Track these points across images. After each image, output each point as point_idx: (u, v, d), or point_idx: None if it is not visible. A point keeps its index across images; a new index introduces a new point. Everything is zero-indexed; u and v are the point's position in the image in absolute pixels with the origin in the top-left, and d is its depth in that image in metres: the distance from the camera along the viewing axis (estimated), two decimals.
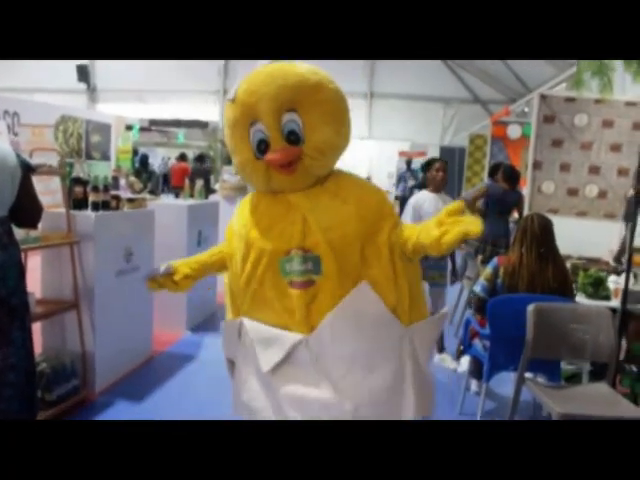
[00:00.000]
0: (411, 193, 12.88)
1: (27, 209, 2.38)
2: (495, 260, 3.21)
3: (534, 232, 3.05)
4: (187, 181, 5.23)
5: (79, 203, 3.26)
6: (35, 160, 2.79)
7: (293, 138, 1.64)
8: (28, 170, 2.35)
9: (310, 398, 1.63)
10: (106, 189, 3.37)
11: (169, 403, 3.29)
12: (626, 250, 3.38)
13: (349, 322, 1.61)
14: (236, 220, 1.81)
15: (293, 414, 1.63)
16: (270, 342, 1.67)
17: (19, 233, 2.46)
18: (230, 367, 1.96)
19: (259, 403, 1.72)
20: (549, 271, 3.01)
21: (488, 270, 3.19)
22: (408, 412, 1.66)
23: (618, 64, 3.90)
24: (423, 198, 4.06)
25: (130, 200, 3.71)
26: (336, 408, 1.61)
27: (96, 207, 3.28)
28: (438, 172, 4.07)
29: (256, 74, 1.68)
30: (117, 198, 3.49)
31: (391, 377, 1.66)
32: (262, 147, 1.66)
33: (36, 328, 2.82)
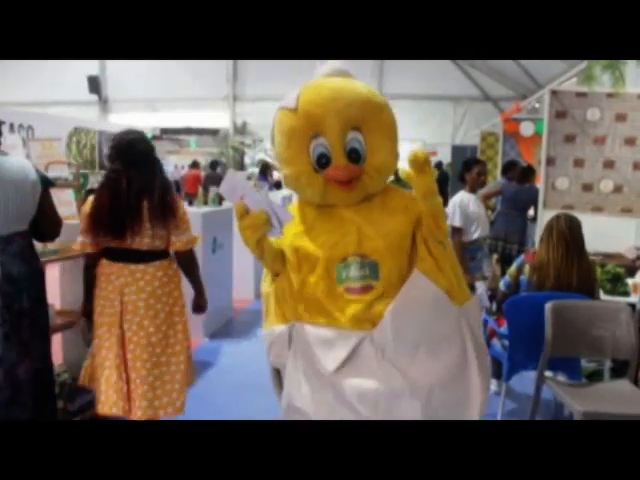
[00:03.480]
0: None
1: (47, 223, 2.41)
2: (522, 257, 3.25)
3: (561, 232, 3.04)
4: (200, 189, 5.26)
5: None
6: (50, 174, 2.83)
7: (354, 156, 1.68)
8: (48, 184, 2.39)
9: (379, 390, 1.63)
10: None
11: (189, 410, 3.30)
12: None
13: (409, 312, 1.65)
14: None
15: (362, 409, 1.63)
16: (332, 342, 1.67)
17: (37, 246, 2.50)
18: (276, 376, 1.92)
19: (311, 408, 1.70)
20: (575, 270, 3.00)
21: (513, 266, 3.25)
22: (475, 388, 1.70)
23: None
24: (467, 199, 4.13)
25: None
26: (407, 396, 1.63)
27: None
28: (480, 176, 4.20)
29: (319, 87, 1.70)
30: None
31: (456, 358, 1.70)
32: (322, 161, 1.68)
33: (56, 339, 2.85)
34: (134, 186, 2.39)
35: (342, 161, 1.66)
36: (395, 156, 1.78)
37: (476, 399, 1.69)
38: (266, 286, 1.88)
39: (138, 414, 2.41)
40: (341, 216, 1.72)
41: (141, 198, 2.38)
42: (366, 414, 1.63)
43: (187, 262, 2.59)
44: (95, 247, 2.48)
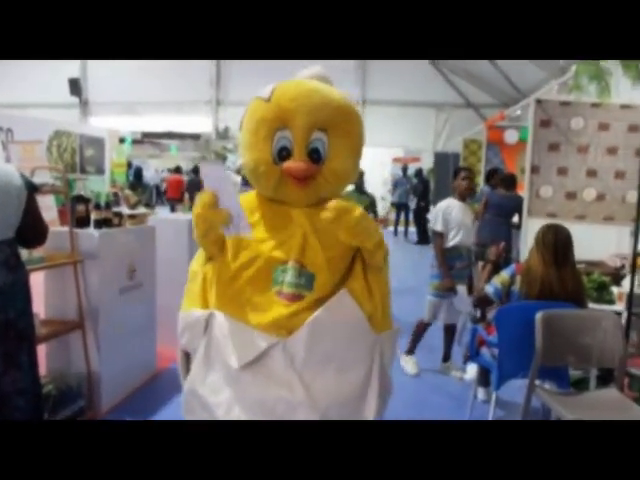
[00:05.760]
0: (407, 199, 12.98)
1: (33, 229, 2.36)
2: (513, 266, 3.23)
3: (551, 243, 3.04)
4: (186, 195, 5.22)
5: (81, 221, 3.24)
6: (34, 179, 2.77)
7: (315, 156, 1.69)
8: (33, 190, 2.33)
9: (279, 397, 1.63)
10: (107, 206, 3.35)
11: (175, 420, 3.26)
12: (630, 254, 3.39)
13: (327, 327, 1.65)
14: None
15: (258, 412, 1.63)
16: (246, 340, 1.66)
17: (22, 253, 2.44)
18: (184, 359, 1.89)
19: (216, 399, 1.69)
20: (563, 281, 3.00)
21: (505, 275, 3.20)
22: (369, 414, 1.70)
23: (615, 68, 3.93)
24: (451, 206, 4.14)
25: (131, 216, 3.69)
26: (305, 408, 1.62)
27: (99, 225, 3.26)
28: (463, 181, 4.17)
29: (297, 84, 1.73)
30: (119, 215, 3.48)
31: (360, 381, 1.71)
32: (283, 154, 1.69)
33: (40, 349, 2.79)
34: None
35: (302, 157, 1.68)
36: (355, 166, 1.79)
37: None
38: (197, 265, 1.87)
39: None
40: (290, 216, 1.72)
41: None
42: (260, 418, 1.62)
43: None
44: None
